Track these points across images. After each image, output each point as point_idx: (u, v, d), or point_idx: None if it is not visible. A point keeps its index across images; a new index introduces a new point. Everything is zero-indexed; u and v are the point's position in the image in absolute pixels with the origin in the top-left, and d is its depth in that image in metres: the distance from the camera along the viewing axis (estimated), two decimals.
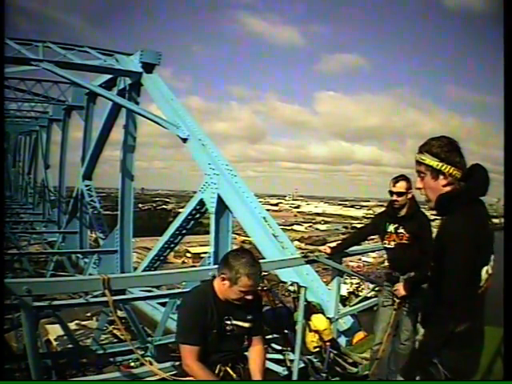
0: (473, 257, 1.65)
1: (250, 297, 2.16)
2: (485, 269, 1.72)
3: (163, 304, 7.47)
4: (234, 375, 2.22)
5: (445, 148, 1.73)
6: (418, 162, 1.79)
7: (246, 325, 2.25)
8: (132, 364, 5.48)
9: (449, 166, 1.72)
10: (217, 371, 2.19)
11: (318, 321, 3.43)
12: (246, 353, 2.53)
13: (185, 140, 8.16)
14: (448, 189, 1.75)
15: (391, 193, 3.30)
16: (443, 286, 1.66)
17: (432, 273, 1.82)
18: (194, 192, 8.35)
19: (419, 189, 1.84)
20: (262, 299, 2.56)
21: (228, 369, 2.22)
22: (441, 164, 1.72)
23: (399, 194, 3.26)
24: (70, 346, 10.23)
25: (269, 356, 3.37)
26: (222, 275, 2.16)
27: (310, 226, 75.95)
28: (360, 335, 4.78)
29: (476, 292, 1.72)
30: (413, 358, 1.88)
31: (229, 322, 2.21)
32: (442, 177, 1.74)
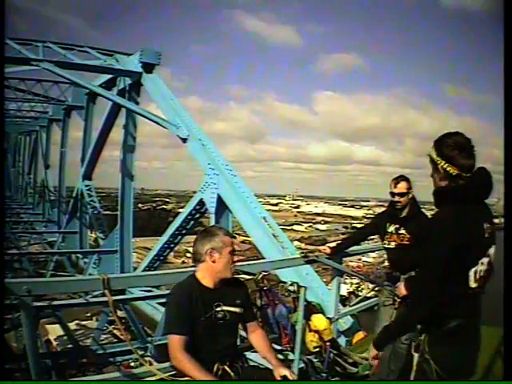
0: (454, 254, 1.67)
1: (235, 258, 2.31)
2: (473, 270, 1.73)
3: (163, 304, 7.46)
4: (232, 374, 2.21)
5: (446, 144, 1.78)
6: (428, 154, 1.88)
7: (237, 310, 2.26)
8: (132, 364, 5.49)
9: (443, 162, 1.77)
10: (215, 370, 2.17)
11: (318, 321, 3.43)
12: (245, 353, 2.53)
13: (184, 140, 8.16)
14: (442, 183, 1.81)
15: (393, 194, 3.30)
16: (418, 273, 1.79)
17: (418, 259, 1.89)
18: (194, 192, 8.36)
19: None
20: (246, 285, 2.58)
21: (226, 367, 2.20)
22: (437, 158, 1.80)
23: (401, 194, 3.27)
24: (69, 346, 10.25)
25: None
26: (210, 252, 2.21)
27: (309, 226, 75.86)
28: (360, 335, 4.77)
29: (462, 291, 1.74)
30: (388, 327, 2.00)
31: (219, 309, 2.20)
32: (437, 170, 1.81)
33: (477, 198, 1.79)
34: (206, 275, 2.23)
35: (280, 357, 3.33)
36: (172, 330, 2.13)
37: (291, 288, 3.35)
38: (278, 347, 3.43)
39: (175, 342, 2.09)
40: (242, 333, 2.47)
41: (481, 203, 1.82)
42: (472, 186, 1.76)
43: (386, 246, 3.46)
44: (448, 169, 1.77)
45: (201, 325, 2.16)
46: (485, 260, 1.77)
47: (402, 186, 3.27)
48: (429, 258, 1.73)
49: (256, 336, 2.36)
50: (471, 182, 1.76)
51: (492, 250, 1.81)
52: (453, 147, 1.76)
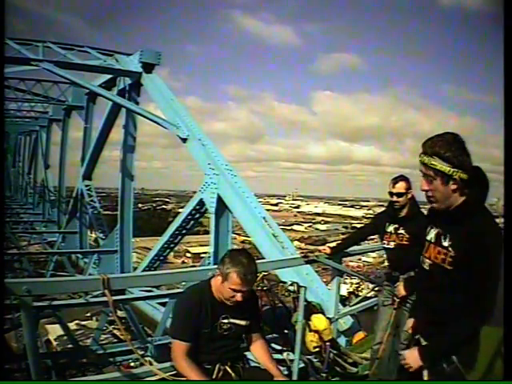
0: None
1: (239, 298, 2.14)
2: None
3: (163, 304, 7.47)
4: (233, 374, 2.22)
5: (455, 151, 1.66)
6: (427, 166, 1.70)
7: (243, 323, 2.26)
8: (132, 364, 5.49)
9: (460, 172, 1.66)
10: (216, 370, 2.19)
11: (318, 321, 3.43)
12: (246, 353, 2.53)
13: (184, 140, 8.16)
14: (457, 194, 1.70)
15: (391, 194, 3.30)
16: (477, 286, 1.65)
17: (453, 273, 1.75)
18: (194, 192, 8.35)
19: (425, 191, 1.76)
20: (259, 298, 2.56)
21: (227, 368, 2.22)
22: (453, 170, 1.65)
23: (399, 194, 3.27)
24: (69, 346, 10.25)
25: None
26: (218, 269, 2.21)
27: (309, 226, 75.96)
28: (360, 335, 4.77)
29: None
30: (433, 352, 1.83)
31: (226, 321, 2.22)
32: (451, 182, 1.68)
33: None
34: (215, 287, 2.24)
35: (280, 357, 3.33)
36: (177, 336, 2.16)
37: (291, 288, 3.35)
38: (278, 347, 3.43)
39: (179, 348, 2.13)
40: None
41: None
42: (487, 188, 1.72)
43: (385, 245, 3.46)
44: (463, 176, 1.66)
45: (205, 334, 2.18)
46: None
47: (400, 186, 3.27)
48: (488, 271, 1.63)
49: (257, 347, 2.37)
50: (486, 185, 1.71)
51: None
52: (460, 150, 1.66)
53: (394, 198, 3.29)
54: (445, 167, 1.65)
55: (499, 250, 1.65)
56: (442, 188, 1.69)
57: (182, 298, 2.30)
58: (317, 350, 3.42)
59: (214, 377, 2.18)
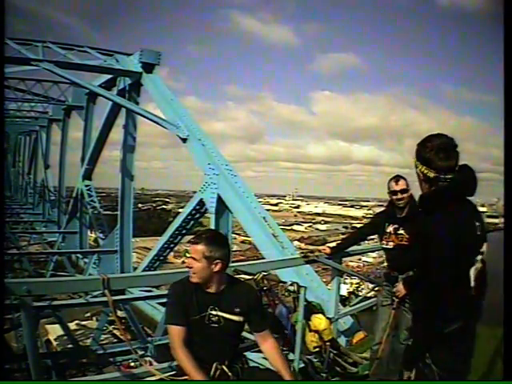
0: (455, 258, 1.65)
1: (187, 262, 2.22)
2: (472, 269, 1.72)
3: (163, 304, 7.47)
4: (230, 374, 2.17)
5: (424, 147, 1.78)
6: None
7: (235, 318, 2.20)
8: (132, 364, 5.50)
9: (421, 165, 1.78)
10: (213, 370, 2.14)
11: (318, 321, 3.43)
12: (245, 353, 2.52)
13: (184, 140, 8.17)
14: (424, 187, 1.81)
15: (395, 192, 3.29)
16: (429, 285, 1.68)
17: (419, 272, 1.84)
18: (194, 192, 8.36)
19: None
20: (256, 294, 2.48)
21: (224, 368, 2.17)
22: (416, 162, 1.81)
23: (403, 190, 3.27)
24: (69, 346, 10.27)
25: None
26: None
27: (309, 226, 75.97)
28: (360, 335, 4.78)
29: (465, 292, 1.72)
30: (405, 355, 1.89)
31: (214, 313, 2.18)
32: (417, 174, 1.83)
33: (462, 196, 1.77)
34: None
35: None
36: (170, 321, 2.16)
37: (291, 288, 3.34)
38: None
39: (174, 332, 2.13)
40: (243, 333, 2.45)
41: (468, 202, 1.79)
42: (458, 183, 1.74)
43: (384, 246, 3.46)
44: (425, 172, 1.76)
45: (194, 323, 2.16)
46: (479, 258, 1.76)
47: (402, 183, 3.29)
48: (439, 267, 1.65)
49: (267, 348, 2.28)
50: (456, 180, 1.74)
51: (484, 248, 1.80)
52: (430, 149, 1.75)
53: (399, 196, 3.28)
54: (415, 160, 1.83)
55: (438, 252, 1.65)
56: (418, 180, 1.86)
57: (169, 290, 2.30)
58: (317, 350, 3.43)
59: (210, 376, 2.13)
